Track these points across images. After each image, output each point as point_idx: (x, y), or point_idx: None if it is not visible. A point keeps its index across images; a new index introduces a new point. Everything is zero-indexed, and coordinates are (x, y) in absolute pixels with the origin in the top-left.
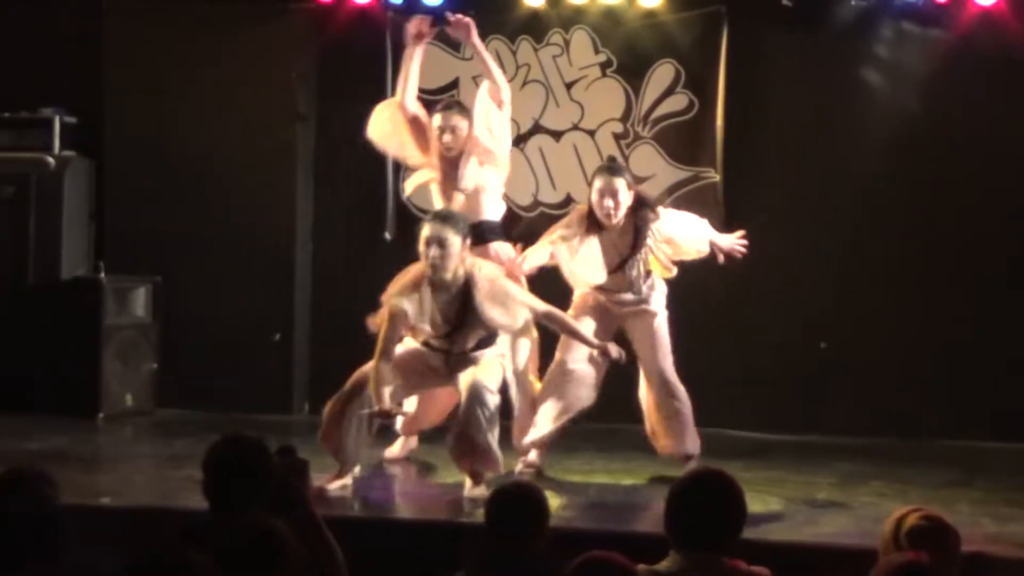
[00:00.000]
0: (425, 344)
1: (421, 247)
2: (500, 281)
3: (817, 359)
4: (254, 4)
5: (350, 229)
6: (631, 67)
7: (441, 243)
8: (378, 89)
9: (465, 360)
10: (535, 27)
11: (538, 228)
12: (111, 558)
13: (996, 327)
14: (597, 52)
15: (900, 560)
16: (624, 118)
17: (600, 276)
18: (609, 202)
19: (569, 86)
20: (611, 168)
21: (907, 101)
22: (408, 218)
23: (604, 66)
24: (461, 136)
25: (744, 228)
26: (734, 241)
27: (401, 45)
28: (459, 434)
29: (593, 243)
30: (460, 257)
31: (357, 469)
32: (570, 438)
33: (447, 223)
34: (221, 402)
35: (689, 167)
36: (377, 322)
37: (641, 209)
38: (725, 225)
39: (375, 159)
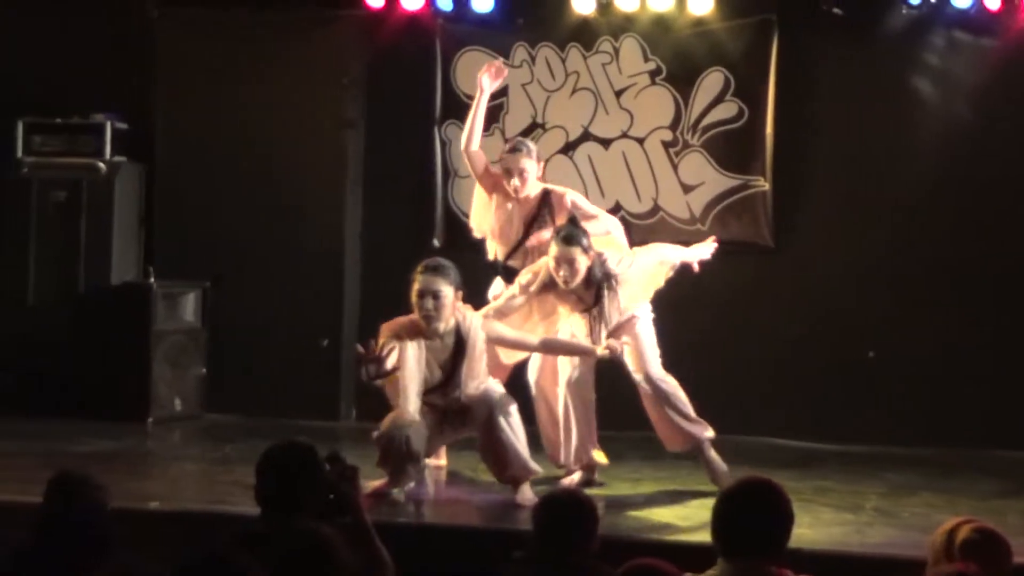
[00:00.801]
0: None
1: (414, 299)
2: (490, 329)
3: (865, 368)
4: (304, 12)
5: (398, 235)
6: (680, 75)
7: (435, 295)
8: (427, 95)
9: (462, 413)
10: (585, 35)
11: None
12: (159, 563)
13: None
14: (647, 60)
15: (950, 571)
16: (673, 126)
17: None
18: (564, 271)
19: (619, 94)
20: (567, 237)
21: (958, 110)
22: (456, 225)
23: (653, 74)
24: (527, 180)
25: (793, 236)
26: (703, 249)
27: (450, 52)
28: (485, 445)
29: (546, 300)
30: (452, 307)
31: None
32: (617, 445)
33: (439, 274)
34: (269, 407)
35: (738, 175)
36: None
37: (599, 272)
38: (774, 233)
39: (423, 165)
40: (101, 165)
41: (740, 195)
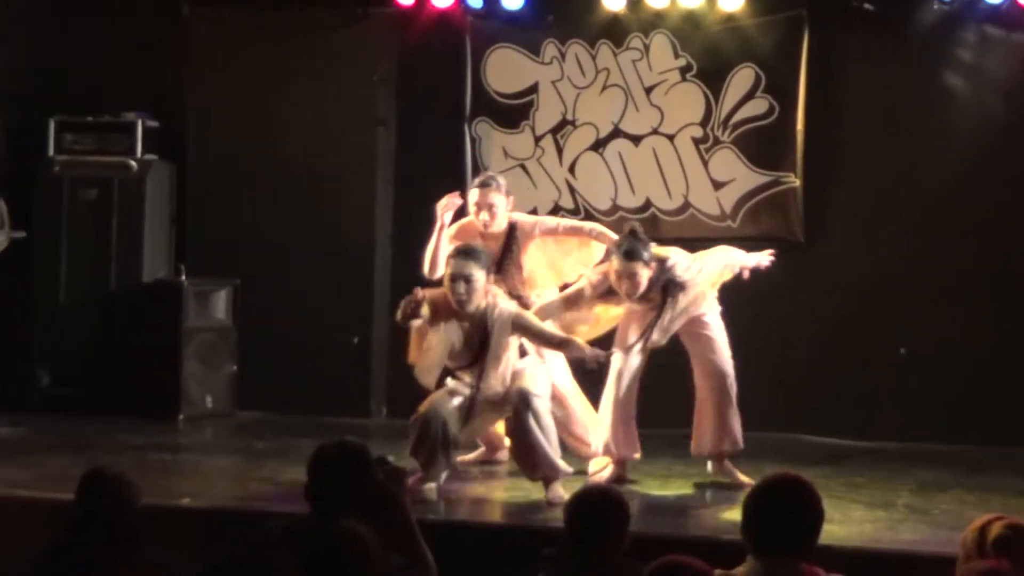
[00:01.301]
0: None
1: (446, 283)
2: (520, 319)
3: (897, 365)
4: (334, 10)
5: (428, 233)
6: (711, 71)
7: (467, 279)
8: (457, 93)
9: (493, 404)
10: (615, 31)
11: (617, 232)
12: (190, 559)
13: None
14: (677, 56)
15: (982, 568)
16: (704, 122)
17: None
18: (627, 285)
19: (649, 90)
20: (628, 252)
21: (990, 105)
22: None
23: (684, 70)
24: (496, 215)
25: (824, 233)
26: (761, 256)
27: (480, 49)
28: (515, 444)
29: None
30: (484, 291)
31: (444, 475)
32: (649, 443)
33: (471, 258)
34: (300, 405)
35: (769, 172)
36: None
37: (665, 281)
38: (805, 230)
39: (454, 163)
40: (132, 163)
41: (771, 191)
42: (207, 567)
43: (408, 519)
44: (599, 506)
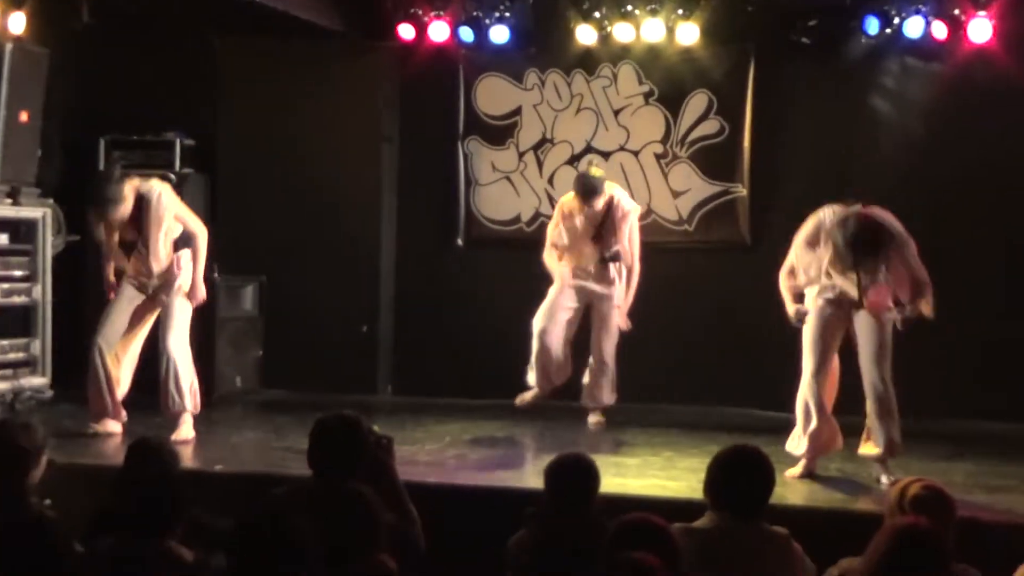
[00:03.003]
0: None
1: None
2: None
3: None
4: (345, 42)
5: (427, 236)
6: (670, 96)
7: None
8: (451, 115)
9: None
10: (588, 62)
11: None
12: (223, 518)
13: (973, 322)
14: (641, 83)
15: (903, 523)
16: (664, 140)
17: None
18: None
19: (617, 112)
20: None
21: (910, 125)
22: (477, 226)
23: (647, 95)
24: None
25: (767, 235)
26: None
27: (471, 77)
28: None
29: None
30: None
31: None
32: (619, 416)
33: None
34: (317, 384)
35: (720, 183)
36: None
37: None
38: (751, 233)
39: (449, 176)
40: (172, 176)
41: (722, 200)
42: (236, 524)
43: (396, 481)
44: (574, 472)
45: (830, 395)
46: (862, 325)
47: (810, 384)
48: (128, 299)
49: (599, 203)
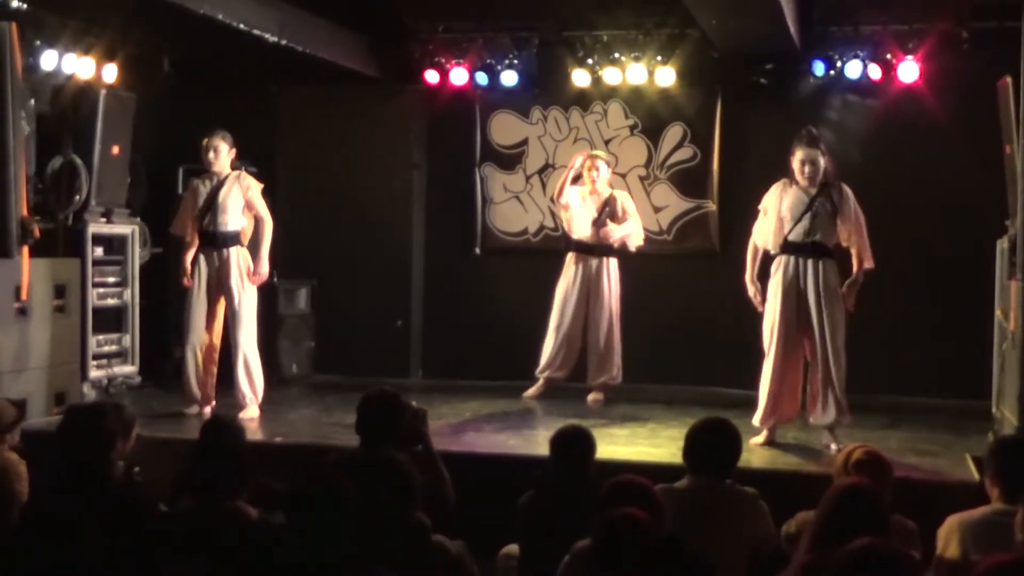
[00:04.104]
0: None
1: (796, 165)
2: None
3: None
4: (381, 87)
5: (451, 246)
6: (651, 128)
7: (813, 162)
8: (470, 145)
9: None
10: (583, 100)
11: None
12: (282, 482)
13: (905, 315)
14: (627, 117)
15: (848, 482)
16: (647, 165)
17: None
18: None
19: (607, 142)
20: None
21: (850, 152)
22: (491, 238)
23: (632, 128)
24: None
25: (733, 245)
26: None
27: (486, 113)
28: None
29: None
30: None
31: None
32: (608, 392)
33: (813, 145)
34: (360, 370)
35: (694, 200)
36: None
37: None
38: (720, 242)
39: (468, 196)
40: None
41: (695, 214)
42: (292, 487)
43: (430, 446)
44: (574, 440)
45: (793, 371)
46: (815, 308)
47: (772, 364)
48: (200, 302)
49: (602, 180)
